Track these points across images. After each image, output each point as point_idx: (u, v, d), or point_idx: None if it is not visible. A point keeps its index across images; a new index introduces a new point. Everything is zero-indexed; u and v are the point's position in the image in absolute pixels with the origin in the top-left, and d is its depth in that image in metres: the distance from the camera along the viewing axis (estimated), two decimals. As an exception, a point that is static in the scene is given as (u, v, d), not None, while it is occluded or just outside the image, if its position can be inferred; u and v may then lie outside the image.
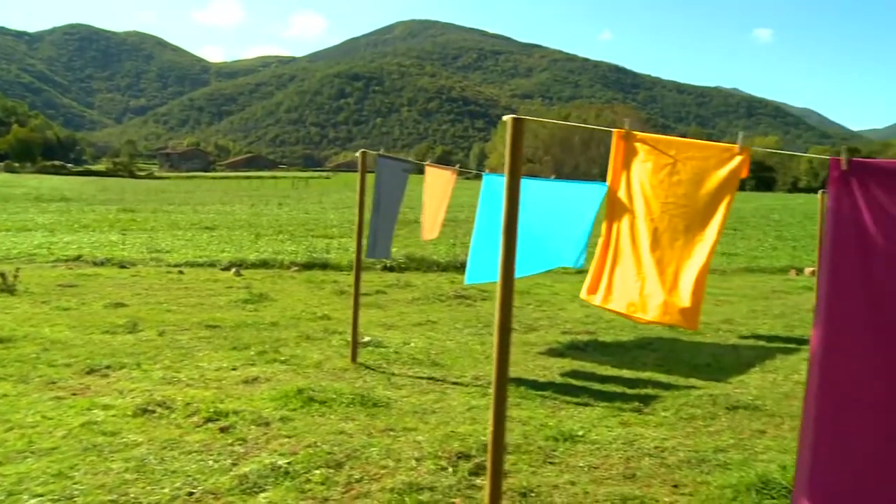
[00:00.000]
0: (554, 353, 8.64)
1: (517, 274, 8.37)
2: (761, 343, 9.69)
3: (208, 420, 5.75)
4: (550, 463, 5.15)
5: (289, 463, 4.91)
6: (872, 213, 2.83)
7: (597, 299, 3.95)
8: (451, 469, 4.92)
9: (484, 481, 4.35)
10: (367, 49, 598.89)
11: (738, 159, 3.45)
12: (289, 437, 5.46)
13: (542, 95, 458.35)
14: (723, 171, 3.48)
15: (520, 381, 7.21)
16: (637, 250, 3.76)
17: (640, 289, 3.74)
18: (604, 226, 3.88)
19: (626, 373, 7.81)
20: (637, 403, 6.61)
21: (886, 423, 2.80)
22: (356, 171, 8.03)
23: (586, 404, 6.60)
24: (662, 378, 7.60)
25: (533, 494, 4.59)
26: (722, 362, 8.42)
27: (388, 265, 16.13)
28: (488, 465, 3.55)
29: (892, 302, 2.80)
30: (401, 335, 9.31)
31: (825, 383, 2.87)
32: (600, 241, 3.91)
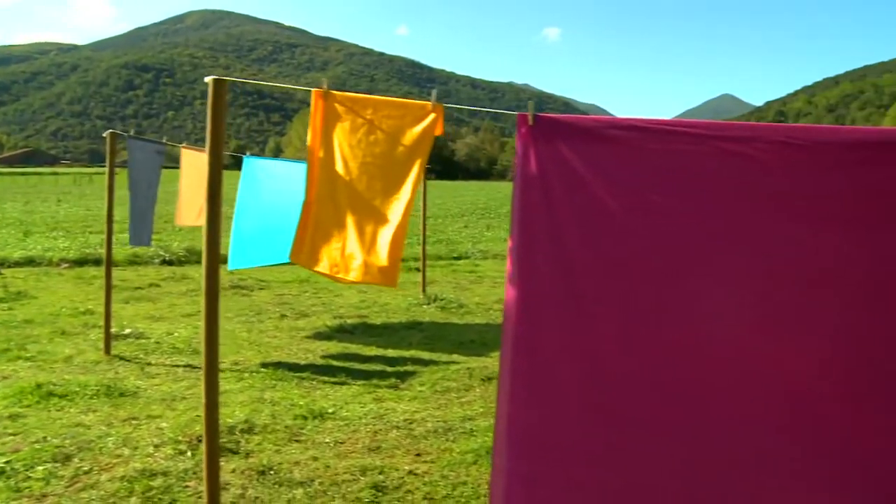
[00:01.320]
0: (321, 336, 8.60)
1: (269, 261, 8.27)
2: (528, 319, 10.05)
3: (-84, 427, 5.24)
4: (296, 441, 5.12)
5: (8, 462, 4.57)
6: (559, 170, 2.73)
7: (302, 262, 3.95)
8: (189, 453, 4.78)
9: (223, 462, 4.26)
10: (156, 39, 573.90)
11: (431, 117, 3.54)
12: (15, 434, 5.09)
13: (338, 89, 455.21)
14: (417, 129, 3.56)
15: (279, 365, 7.12)
16: (337, 212, 3.78)
17: (342, 250, 3.78)
18: (305, 188, 3.86)
19: (390, 352, 7.90)
20: (394, 380, 6.71)
21: (578, 390, 2.74)
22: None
23: (343, 383, 6.61)
24: (425, 356, 7.74)
25: (272, 472, 4.54)
26: (486, 338, 8.66)
27: (168, 259, 15.45)
28: (204, 444, 3.45)
29: (578, 259, 2.73)
30: (166, 326, 8.96)
31: (517, 348, 2.80)
32: (303, 203, 3.89)
